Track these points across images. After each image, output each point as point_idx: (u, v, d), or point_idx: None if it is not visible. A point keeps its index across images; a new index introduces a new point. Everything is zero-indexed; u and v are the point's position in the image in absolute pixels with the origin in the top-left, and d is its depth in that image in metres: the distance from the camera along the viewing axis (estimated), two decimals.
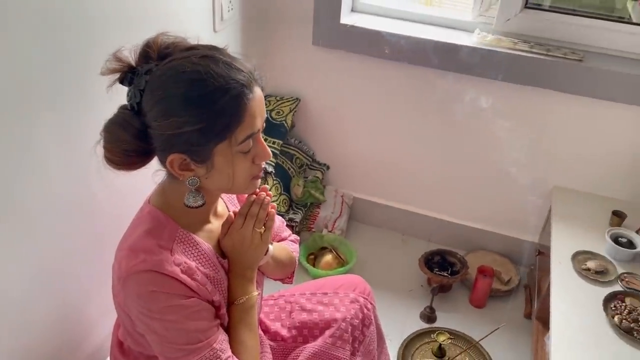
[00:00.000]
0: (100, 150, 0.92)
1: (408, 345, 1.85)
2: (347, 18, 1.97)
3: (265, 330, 1.32)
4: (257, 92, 0.91)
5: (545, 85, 1.81)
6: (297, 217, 2.10)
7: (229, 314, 1.06)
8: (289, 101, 2.15)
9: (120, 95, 0.94)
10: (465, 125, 2.00)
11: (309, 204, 2.19)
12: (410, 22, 1.98)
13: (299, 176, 2.17)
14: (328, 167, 2.29)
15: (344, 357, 1.26)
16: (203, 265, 0.99)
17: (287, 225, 1.38)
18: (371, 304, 1.37)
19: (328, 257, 2.06)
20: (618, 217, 1.78)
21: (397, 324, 1.92)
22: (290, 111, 2.13)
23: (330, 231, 2.18)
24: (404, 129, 2.10)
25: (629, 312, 1.46)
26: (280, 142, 2.09)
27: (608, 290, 1.54)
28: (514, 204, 2.10)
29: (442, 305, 2.00)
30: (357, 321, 1.31)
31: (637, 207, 1.86)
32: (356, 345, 1.31)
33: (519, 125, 1.93)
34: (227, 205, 1.14)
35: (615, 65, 1.73)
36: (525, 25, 1.85)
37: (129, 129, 0.90)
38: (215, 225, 1.06)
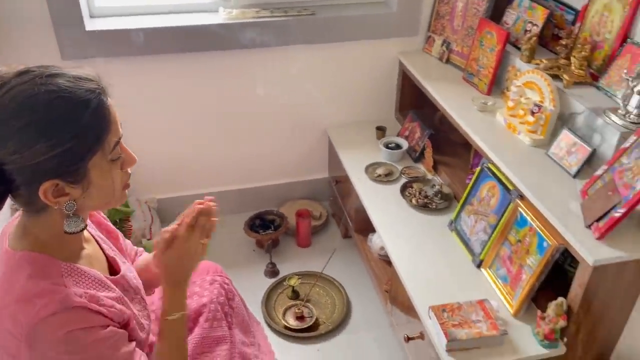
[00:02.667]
0: None
1: (267, 302, 2.00)
2: (90, 25, 1.91)
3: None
4: (109, 99, 0.90)
5: (291, 41, 2.08)
6: None
7: (160, 327, 1.05)
8: None
9: None
10: (239, 96, 2.17)
11: (118, 220, 2.10)
12: (154, 15, 2.02)
13: None
14: None
15: (224, 334, 1.34)
16: (101, 290, 0.95)
17: None
18: (227, 278, 1.46)
19: None
20: (381, 130, 2.20)
21: (249, 289, 2.03)
22: None
23: (149, 239, 2.15)
24: (184, 118, 2.16)
25: (419, 193, 1.87)
26: None
27: (399, 184, 1.93)
28: (300, 152, 2.39)
29: (278, 258, 2.19)
30: (222, 298, 1.39)
31: (391, 118, 2.34)
32: (229, 320, 1.39)
33: (280, 82, 2.18)
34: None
35: (341, 12, 2.10)
36: None
37: None
38: (89, 249, 1.01)
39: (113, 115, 0.89)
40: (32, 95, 0.81)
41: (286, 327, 1.90)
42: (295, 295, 2.02)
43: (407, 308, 1.62)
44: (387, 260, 1.95)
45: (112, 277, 1.02)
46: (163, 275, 1.06)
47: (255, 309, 1.95)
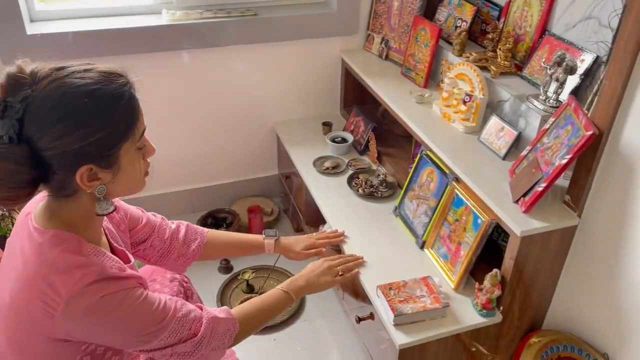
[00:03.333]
0: None
1: (222, 296, 2.04)
2: (31, 28, 1.90)
3: None
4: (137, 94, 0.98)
5: (235, 41, 2.13)
6: None
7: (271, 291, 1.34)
8: None
9: None
10: (186, 97, 2.20)
11: None
12: (96, 18, 2.03)
13: None
14: None
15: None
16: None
17: None
18: (186, 277, 1.49)
19: None
20: (327, 125, 2.29)
21: (204, 285, 2.07)
22: None
23: None
24: None
25: (365, 183, 1.96)
26: None
27: (346, 175, 2.02)
28: (250, 151, 2.44)
29: None
30: (182, 295, 1.42)
31: (336, 114, 2.43)
32: None
33: (226, 82, 2.23)
34: None
35: (283, 12, 2.17)
36: None
37: (17, 160, 0.87)
38: (104, 239, 1.09)
39: (140, 107, 0.98)
40: (73, 87, 0.88)
41: None
42: (249, 289, 2.06)
43: (357, 294, 1.71)
44: (337, 250, 2.02)
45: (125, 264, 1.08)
46: (305, 274, 1.44)
47: (211, 303, 1.98)
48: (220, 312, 1.17)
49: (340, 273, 1.50)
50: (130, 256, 1.16)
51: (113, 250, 1.13)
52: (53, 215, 0.98)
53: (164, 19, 2.04)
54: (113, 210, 0.99)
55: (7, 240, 1.06)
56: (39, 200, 1.02)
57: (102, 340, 1.01)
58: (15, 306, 0.95)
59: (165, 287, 1.41)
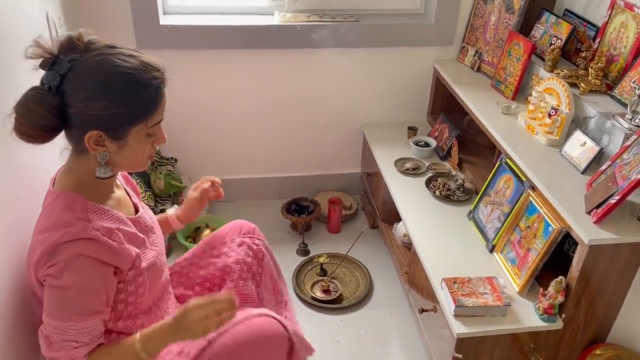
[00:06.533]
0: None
1: (297, 275, 2.20)
2: (163, 20, 2.19)
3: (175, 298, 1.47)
4: (165, 88, 1.12)
5: (337, 44, 2.30)
6: (167, 207, 2.26)
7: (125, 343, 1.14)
8: None
9: None
10: (286, 92, 2.41)
11: (172, 193, 2.36)
12: (218, 15, 2.29)
13: (156, 171, 2.32)
14: (176, 160, 2.48)
15: (251, 292, 1.50)
16: (120, 225, 1.15)
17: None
18: (258, 239, 1.57)
19: (205, 232, 2.28)
20: (412, 130, 2.40)
21: (282, 264, 2.23)
22: None
23: None
24: (237, 108, 2.41)
25: (443, 186, 2.05)
26: None
27: (424, 178, 2.12)
28: (336, 147, 2.60)
29: (310, 240, 2.39)
30: (250, 258, 1.52)
31: (422, 121, 2.54)
32: (258, 278, 1.54)
33: (323, 81, 2.41)
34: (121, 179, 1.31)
35: (383, 20, 2.32)
36: (311, 2, 2.32)
37: (47, 107, 1.03)
38: (117, 194, 1.22)
39: (163, 101, 1.12)
40: (113, 64, 1.05)
41: (313, 298, 2.09)
42: (323, 272, 2.21)
43: (423, 289, 1.80)
44: (408, 247, 2.13)
45: (131, 217, 1.22)
46: (175, 317, 1.13)
47: (286, 282, 2.15)
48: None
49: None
50: (141, 208, 1.29)
51: (137, 209, 1.27)
52: (67, 170, 1.14)
53: (276, 19, 2.26)
54: (110, 177, 1.12)
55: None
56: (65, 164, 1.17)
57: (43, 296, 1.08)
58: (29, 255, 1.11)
59: (232, 250, 1.52)
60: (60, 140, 1.13)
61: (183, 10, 2.29)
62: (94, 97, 1.03)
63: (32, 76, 1.09)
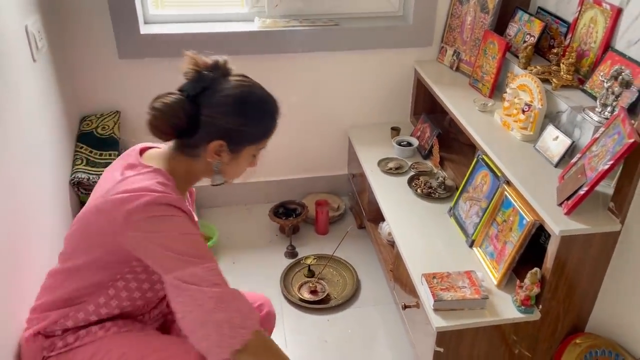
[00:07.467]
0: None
1: (285, 278, 2.23)
2: (144, 29, 2.23)
3: None
4: None
5: (318, 48, 2.34)
6: None
7: None
8: (110, 115, 2.31)
9: None
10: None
11: None
12: (198, 23, 2.33)
13: None
14: None
15: None
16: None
17: None
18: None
19: None
20: (395, 130, 2.43)
21: (270, 267, 2.28)
22: (115, 124, 2.29)
23: None
24: None
25: (424, 184, 2.08)
26: (116, 152, 2.24)
27: (407, 176, 2.15)
28: (323, 150, 2.64)
29: (298, 242, 2.42)
30: None
31: (406, 121, 2.57)
32: None
33: (306, 86, 2.45)
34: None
35: (362, 24, 2.36)
36: (290, 7, 2.36)
37: (185, 110, 1.14)
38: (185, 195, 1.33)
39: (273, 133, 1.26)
40: (255, 89, 1.22)
41: (301, 300, 2.12)
42: (310, 274, 2.24)
43: (406, 285, 1.83)
44: (393, 245, 2.15)
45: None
46: None
47: (274, 284, 2.19)
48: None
49: None
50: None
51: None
52: (166, 159, 1.20)
53: (256, 25, 2.30)
54: (222, 183, 1.25)
55: (105, 170, 1.27)
56: (156, 146, 1.26)
57: (147, 255, 1.11)
58: (97, 209, 1.12)
59: None
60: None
61: (164, 19, 2.32)
62: (231, 112, 1.16)
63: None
